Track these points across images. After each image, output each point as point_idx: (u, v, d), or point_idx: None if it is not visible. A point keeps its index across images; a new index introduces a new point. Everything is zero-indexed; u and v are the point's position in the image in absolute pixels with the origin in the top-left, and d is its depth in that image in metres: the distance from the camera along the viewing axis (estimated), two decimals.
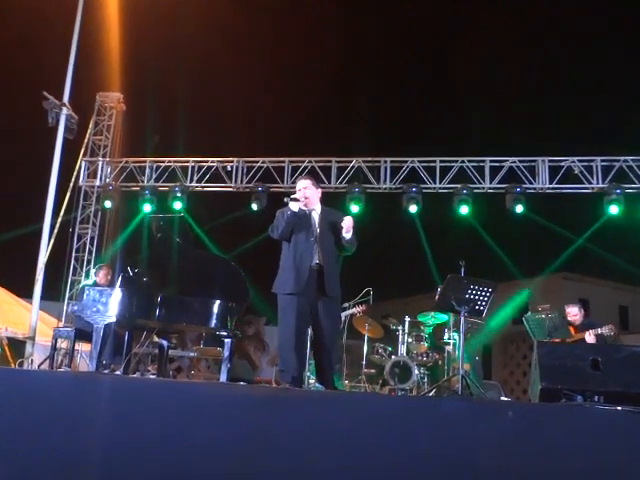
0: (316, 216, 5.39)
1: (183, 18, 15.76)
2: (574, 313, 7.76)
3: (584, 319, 7.82)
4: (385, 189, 11.56)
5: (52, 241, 9.61)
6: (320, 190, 5.57)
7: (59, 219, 9.59)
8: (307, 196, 5.36)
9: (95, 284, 8.11)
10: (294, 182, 11.52)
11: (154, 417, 3.36)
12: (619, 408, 3.60)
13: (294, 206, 5.27)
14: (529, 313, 8.22)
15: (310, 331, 5.83)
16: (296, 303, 5.14)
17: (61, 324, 10.14)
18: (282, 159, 11.92)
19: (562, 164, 11.12)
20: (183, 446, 3.22)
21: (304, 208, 5.33)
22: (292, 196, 5.37)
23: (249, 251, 12.45)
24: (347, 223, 5.24)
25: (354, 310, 8.39)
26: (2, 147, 17.54)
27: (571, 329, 7.55)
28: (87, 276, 11.41)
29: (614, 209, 10.62)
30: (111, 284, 7.75)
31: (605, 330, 7.34)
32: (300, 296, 5.15)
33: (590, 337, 7.33)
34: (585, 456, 2.99)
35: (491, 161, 11.37)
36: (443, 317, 8.62)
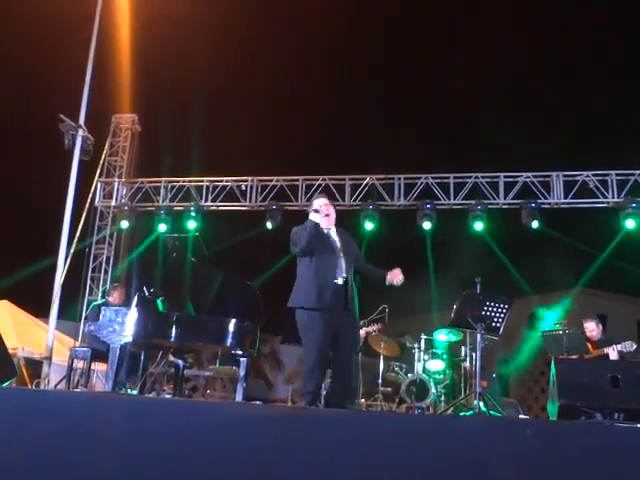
0: (334, 234, 5.40)
1: (197, 39, 15.94)
2: (591, 328, 7.66)
3: (602, 335, 7.72)
4: (399, 206, 11.55)
5: (68, 261, 9.67)
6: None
7: (75, 239, 9.64)
8: (329, 213, 5.39)
9: (105, 303, 8.14)
10: (308, 200, 11.58)
11: (170, 437, 3.35)
12: (639, 426, 3.55)
13: (316, 217, 5.28)
14: (546, 329, 8.15)
15: None
16: (321, 319, 5.08)
17: (77, 344, 10.19)
18: (296, 177, 11.97)
19: (577, 178, 11.07)
20: (198, 466, 3.21)
21: (323, 226, 5.32)
22: (315, 207, 5.38)
23: (265, 269, 12.49)
24: (399, 277, 5.31)
25: (370, 328, 8.36)
26: (20, 169, 17.75)
27: (589, 345, 7.45)
28: (103, 296, 11.48)
29: (630, 223, 10.53)
30: (125, 304, 7.78)
31: (624, 346, 7.24)
32: (325, 312, 5.10)
33: (613, 353, 7.21)
34: (605, 475, 2.95)
35: (505, 176, 11.35)
36: (459, 334, 8.57)
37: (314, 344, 5.07)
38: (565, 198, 11.05)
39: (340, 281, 5.20)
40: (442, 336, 8.82)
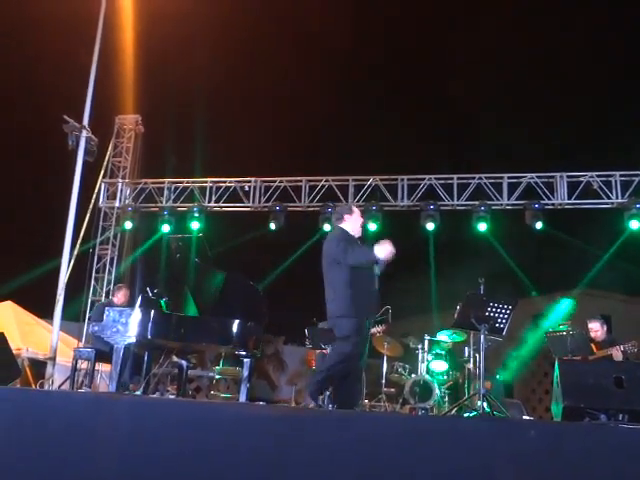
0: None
1: (199, 40, 15.95)
2: (596, 329, 7.65)
3: (606, 336, 7.70)
4: (402, 207, 11.53)
5: (72, 262, 9.69)
6: None
7: (79, 240, 9.67)
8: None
9: (109, 304, 8.14)
10: (312, 201, 11.64)
11: (173, 437, 3.35)
12: None
13: (380, 251, 5.40)
14: (550, 330, 8.13)
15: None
16: (365, 326, 5.35)
17: (81, 344, 10.20)
18: (299, 178, 11.97)
19: (581, 179, 11.05)
20: (200, 466, 3.21)
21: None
22: (358, 217, 5.79)
23: (268, 270, 12.50)
24: None
25: (373, 330, 8.33)
26: (24, 170, 17.78)
27: (592, 346, 7.43)
28: (107, 296, 11.52)
29: (634, 224, 10.50)
30: (129, 304, 7.78)
31: (628, 346, 7.22)
32: (369, 319, 5.46)
33: (618, 353, 7.19)
34: (609, 476, 2.94)
35: (509, 177, 11.33)
36: (463, 335, 8.56)
37: (351, 350, 5.20)
38: (569, 199, 11.02)
39: (377, 292, 5.57)
40: (445, 337, 8.80)
